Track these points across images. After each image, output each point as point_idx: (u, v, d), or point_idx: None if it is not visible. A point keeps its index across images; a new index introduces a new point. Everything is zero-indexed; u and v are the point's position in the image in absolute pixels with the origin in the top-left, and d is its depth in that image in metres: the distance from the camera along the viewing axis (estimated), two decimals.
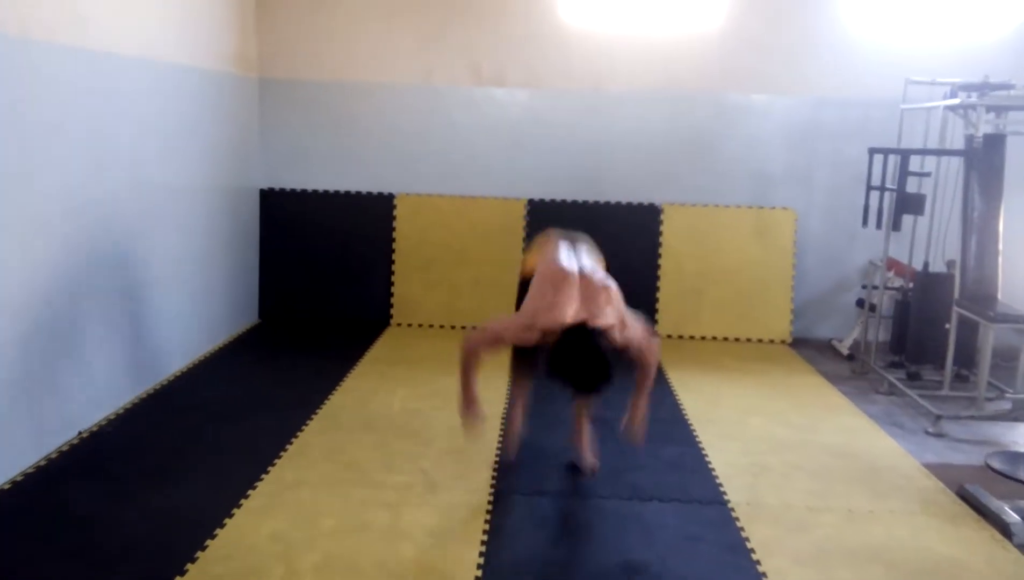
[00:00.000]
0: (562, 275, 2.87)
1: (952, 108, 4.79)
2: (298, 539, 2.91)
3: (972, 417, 4.40)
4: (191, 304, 4.96)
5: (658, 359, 2.94)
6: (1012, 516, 3.18)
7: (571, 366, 2.65)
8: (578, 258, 3.03)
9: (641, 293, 5.99)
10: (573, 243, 3.18)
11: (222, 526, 2.98)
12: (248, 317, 5.93)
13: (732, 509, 3.27)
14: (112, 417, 3.97)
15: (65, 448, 3.59)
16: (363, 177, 6.08)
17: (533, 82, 5.98)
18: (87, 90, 3.76)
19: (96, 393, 3.92)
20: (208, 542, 2.86)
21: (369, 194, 6.08)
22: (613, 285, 2.95)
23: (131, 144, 4.17)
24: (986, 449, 4.00)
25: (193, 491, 3.26)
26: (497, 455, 3.67)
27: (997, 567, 2.91)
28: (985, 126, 4.57)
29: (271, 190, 6.07)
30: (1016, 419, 4.42)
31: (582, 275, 2.91)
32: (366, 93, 6.00)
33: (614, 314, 2.81)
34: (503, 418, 4.07)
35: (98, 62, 3.85)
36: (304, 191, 6.08)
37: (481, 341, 2.91)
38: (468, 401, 2.99)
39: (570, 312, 2.76)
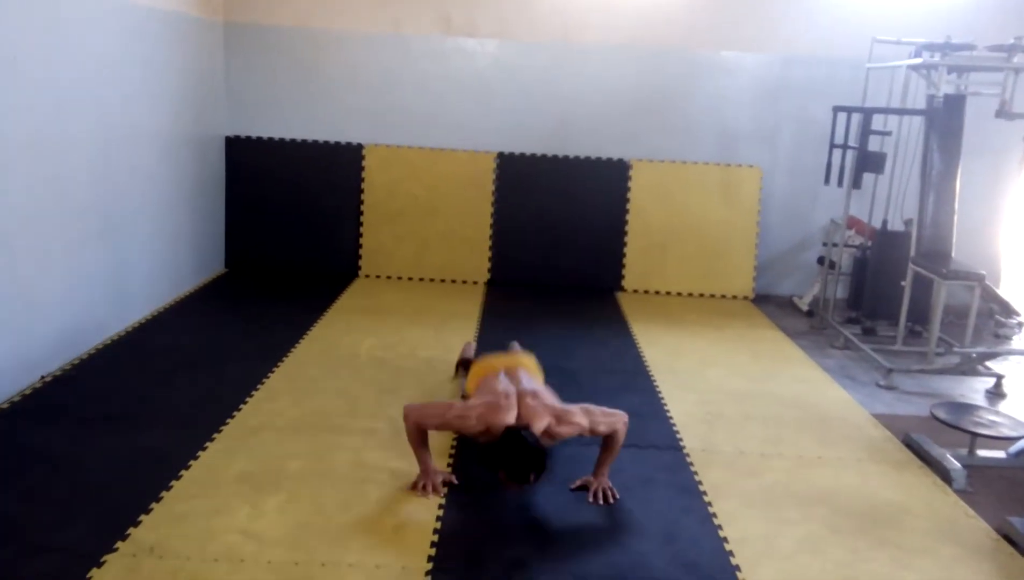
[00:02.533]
0: (504, 399, 2.99)
1: (915, 68, 4.85)
2: (263, 480, 2.96)
3: (922, 371, 4.55)
4: (156, 251, 4.93)
5: (624, 433, 3.01)
6: (953, 463, 3.33)
7: (509, 460, 2.78)
8: (517, 382, 3.15)
9: (608, 248, 6.06)
10: (512, 369, 3.31)
11: (187, 467, 3.02)
12: (214, 266, 5.90)
13: (687, 455, 3.38)
14: (76, 362, 3.97)
15: (28, 391, 3.59)
16: (331, 127, 6.03)
17: (503, 32, 5.93)
18: (41, 29, 3.68)
19: (59, 338, 3.91)
20: (173, 483, 2.90)
21: (338, 144, 6.03)
22: (549, 395, 3.12)
23: (91, 86, 4.09)
24: (934, 401, 4.15)
25: (158, 435, 3.29)
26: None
27: (937, 510, 3.05)
28: (946, 86, 4.65)
29: (237, 138, 6.00)
30: (963, 373, 4.59)
31: (520, 394, 3.03)
32: (334, 41, 5.92)
33: (547, 413, 2.95)
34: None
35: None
36: (271, 140, 6.02)
37: (426, 417, 2.99)
38: (425, 472, 2.99)
39: (511, 417, 2.90)
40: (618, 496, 2.98)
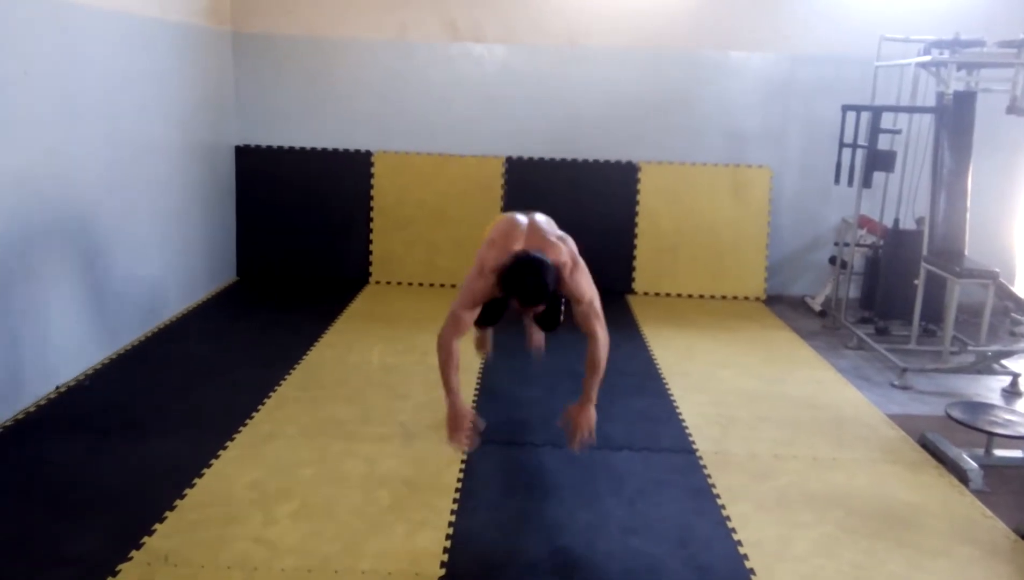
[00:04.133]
0: (511, 222, 2.95)
1: (924, 65, 4.82)
2: (275, 488, 2.97)
3: (936, 370, 4.52)
4: (169, 261, 4.96)
5: (606, 350, 2.93)
6: (969, 463, 3.30)
7: (519, 281, 2.69)
8: (530, 217, 3.06)
9: (618, 251, 6.05)
10: (527, 212, 3.18)
11: (200, 476, 3.03)
12: (226, 275, 5.93)
13: (700, 457, 3.37)
14: (90, 372, 4.00)
15: (43, 402, 3.62)
16: (340, 134, 6.05)
17: (509, 37, 5.94)
18: (53, 42, 3.71)
19: (74, 348, 3.93)
20: (187, 491, 2.92)
21: (346, 152, 6.05)
22: (567, 238, 3.01)
23: (102, 98, 4.13)
24: (949, 400, 4.11)
25: (171, 443, 3.30)
26: (474, 405, 3.74)
27: (953, 511, 3.02)
28: (956, 83, 4.62)
29: (247, 147, 6.03)
30: (978, 371, 4.54)
31: (531, 223, 2.96)
32: (341, 49, 5.94)
33: (567, 254, 2.88)
34: (479, 375, 4.14)
35: (64, 12, 3.79)
36: (280, 148, 6.05)
37: (449, 324, 2.90)
38: (456, 413, 2.85)
39: (519, 245, 2.82)
40: (595, 440, 2.93)
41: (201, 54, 5.36)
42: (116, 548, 2.55)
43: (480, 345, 3.97)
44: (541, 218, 3.05)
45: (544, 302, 2.74)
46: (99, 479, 3.00)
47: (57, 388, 3.76)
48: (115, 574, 2.43)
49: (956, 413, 3.50)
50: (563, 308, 3.08)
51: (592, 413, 2.96)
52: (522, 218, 3.00)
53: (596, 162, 6.04)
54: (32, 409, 3.54)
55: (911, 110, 5.02)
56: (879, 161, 4.84)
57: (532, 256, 2.74)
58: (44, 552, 2.53)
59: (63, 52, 3.79)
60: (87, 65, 3.98)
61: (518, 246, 2.83)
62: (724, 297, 6.04)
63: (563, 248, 2.88)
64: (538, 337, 3.92)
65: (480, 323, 3.33)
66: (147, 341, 4.52)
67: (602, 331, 2.94)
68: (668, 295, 6.05)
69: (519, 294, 2.70)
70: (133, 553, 2.53)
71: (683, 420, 3.75)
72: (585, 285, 2.92)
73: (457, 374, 2.92)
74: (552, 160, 6.05)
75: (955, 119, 4.62)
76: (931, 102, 4.95)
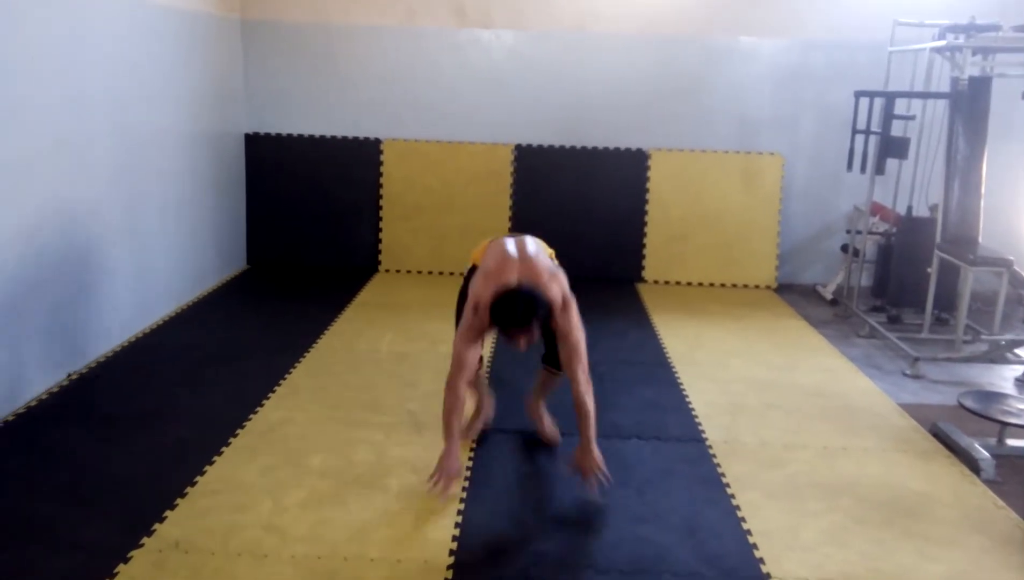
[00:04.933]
0: (503, 254, 2.91)
1: (938, 50, 4.76)
2: (285, 476, 2.98)
3: (949, 359, 4.48)
4: (179, 249, 4.97)
5: (591, 396, 2.85)
6: (981, 453, 3.28)
7: (510, 311, 2.69)
8: (521, 246, 3.00)
9: (628, 239, 6.02)
10: (518, 238, 3.12)
11: (211, 463, 3.05)
12: (237, 263, 5.95)
13: (709, 446, 3.36)
14: (101, 360, 4.02)
15: (55, 390, 3.64)
16: (349, 122, 6.04)
17: (518, 24, 5.91)
18: (62, 31, 3.71)
19: (84, 337, 3.95)
20: (197, 478, 2.93)
21: (355, 139, 6.04)
22: (558, 272, 2.97)
23: (109, 85, 4.13)
24: (961, 390, 4.08)
25: (182, 431, 3.32)
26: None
27: (964, 501, 3.00)
28: (971, 69, 4.56)
29: (256, 135, 6.03)
30: (992, 360, 4.51)
31: (522, 254, 2.93)
32: (349, 35, 5.92)
33: (559, 292, 2.85)
34: (489, 365, 4.14)
35: (72, 1, 3.78)
36: (290, 136, 6.04)
37: (455, 366, 2.87)
38: (448, 460, 2.82)
39: (512, 278, 2.81)
40: (610, 478, 2.87)
41: (210, 42, 5.35)
42: (127, 535, 2.56)
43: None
44: (532, 248, 2.97)
45: (534, 325, 2.70)
46: (110, 466, 3.01)
47: (69, 376, 3.79)
48: (126, 560, 2.44)
49: (968, 402, 3.48)
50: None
51: (596, 454, 2.88)
52: (513, 250, 2.93)
53: (605, 149, 6.01)
54: (44, 397, 3.57)
55: (925, 96, 4.96)
56: (892, 148, 4.79)
57: (524, 289, 2.73)
58: (56, 538, 2.54)
59: (71, 41, 3.79)
60: (95, 53, 3.98)
61: (512, 279, 2.80)
62: (734, 285, 6.01)
63: (555, 287, 2.84)
64: (552, 432, 3.39)
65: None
66: (158, 329, 4.54)
67: (583, 374, 2.86)
68: (678, 283, 6.03)
69: (510, 323, 2.69)
70: (144, 540, 2.55)
71: (692, 409, 3.74)
72: (573, 325, 2.86)
73: (460, 420, 2.90)
74: (561, 147, 6.02)
75: (970, 105, 4.56)
76: (945, 88, 4.89)
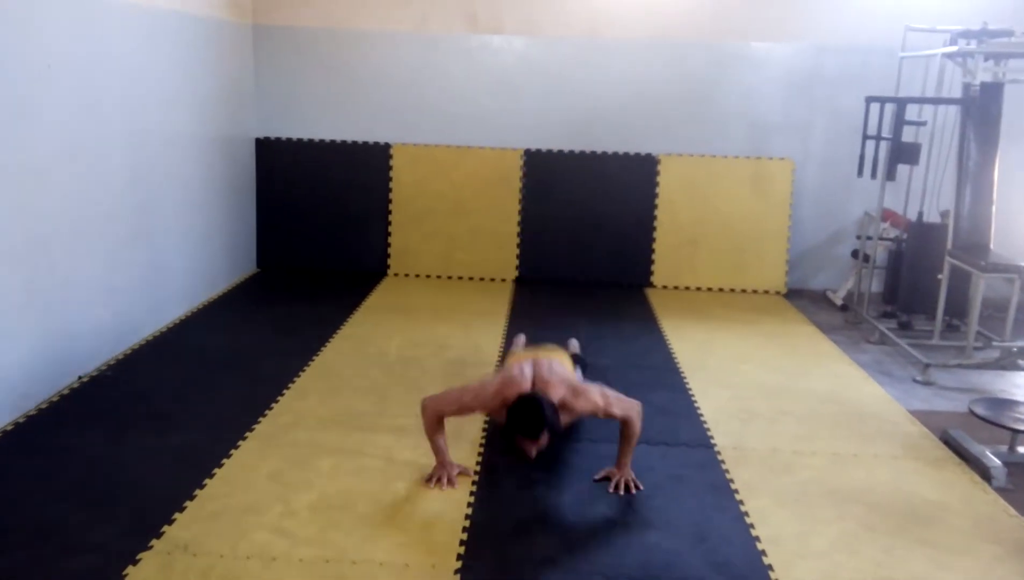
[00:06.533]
0: (519, 372, 3.08)
1: (950, 56, 4.74)
2: (294, 479, 2.99)
3: (960, 365, 4.46)
4: (190, 253, 5.00)
5: (639, 423, 3.02)
6: (992, 460, 3.25)
7: (521, 419, 2.86)
8: (536, 365, 3.14)
9: (637, 244, 6.02)
10: (538, 357, 3.27)
11: (220, 466, 3.06)
12: (247, 266, 5.97)
13: (718, 452, 3.35)
14: (112, 362, 4.04)
15: (65, 392, 3.66)
16: (359, 127, 6.06)
17: (529, 30, 5.92)
18: (76, 36, 3.74)
19: (96, 339, 3.97)
20: (206, 481, 2.94)
21: (365, 144, 6.06)
22: (568, 373, 3.18)
23: (123, 91, 4.16)
24: (972, 396, 4.05)
25: (191, 433, 3.33)
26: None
27: (976, 509, 2.98)
28: (983, 74, 4.54)
29: (267, 139, 6.05)
30: (1003, 367, 4.48)
31: (537, 374, 3.07)
32: (360, 40, 5.95)
33: (565, 388, 3.02)
34: (496, 367, 4.13)
35: (86, 6, 3.82)
36: (300, 140, 6.07)
37: (444, 405, 3.05)
38: (441, 463, 3.04)
39: (526, 387, 3.00)
40: (641, 486, 2.99)
41: (222, 47, 5.39)
42: (136, 537, 2.57)
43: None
44: (545, 368, 3.10)
45: (543, 434, 2.86)
46: (120, 469, 3.03)
47: (80, 378, 3.81)
48: (135, 563, 2.45)
49: (980, 409, 3.45)
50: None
51: (629, 471, 3.03)
52: (528, 371, 3.08)
53: (615, 154, 6.01)
54: (55, 398, 3.59)
55: (937, 101, 4.94)
56: (903, 153, 4.77)
57: (533, 395, 2.90)
58: (65, 540, 2.55)
59: (86, 46, 3.81)
60: (109, 58, 4.01)
61: (523, 386, 3.00)
62: (744, 291, 6.00)
63: (561, 388, 3.01)
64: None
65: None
66: (168, 332, 4.56)
67: (624, 412, 3.01)
68: (687, 288, 6.01)
69: (521, 429, 2.86)
70: (153, 542, 2.56)
71: (701, 414, 3.72)
72: (592, 400, 3.01)
73: (443, 436, 3.07)
74: (571, 152, 6.02)
75: (982, 110, 4.54)
76: (957, 93, 4.87)
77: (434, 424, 3.04)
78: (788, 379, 4.23)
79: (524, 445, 2.88)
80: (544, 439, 2.87)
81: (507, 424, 2.90)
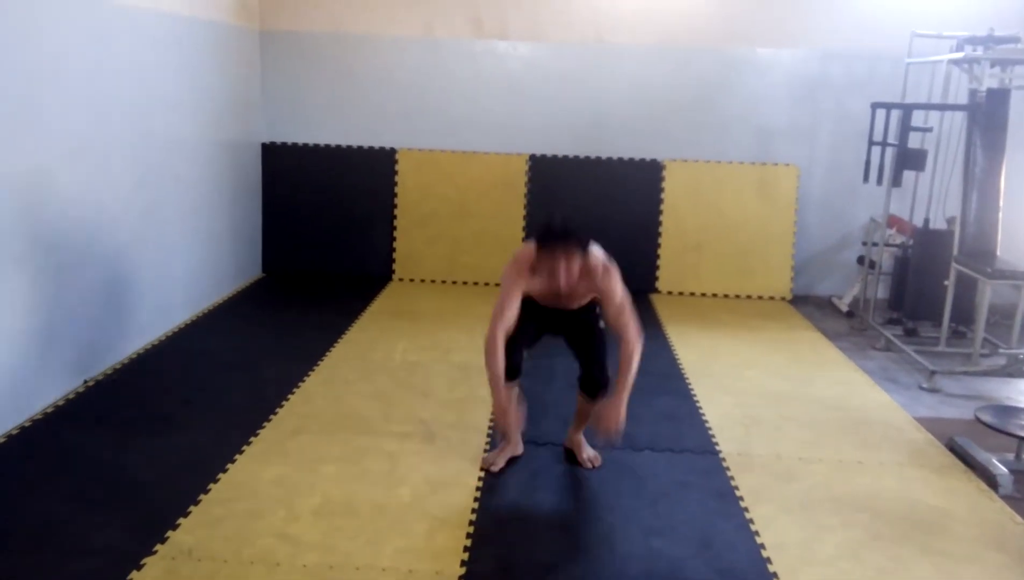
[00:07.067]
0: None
1: (956, 62, 4.74)
2: (299, 484, 2.99)
3: (966, 372, 4.44)
4: (196, 257, 5.01)
5: (640, 351, 2.97)
6: (999, 468, 3.24)
7: (552, 225, 2.90)
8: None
9: (642, 249, 6.01)
10: None
11: (225, 471, 3.06)
12: (252, 270, 5.98)
13: (723, 459, 3.34)
14: (118, 366, 4.05)
15: (71, 396, 3.67)
16: (365, 132, 6.07)
17: (534, 35, 5.93)
18: (83, 40, 3.76)
19: (101, 343, 3.98)
20: (211, 485, 2.94)
21: (371, 149, 6.08)
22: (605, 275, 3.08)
23: (130, 94, 4.17)
24: (979, 404, 4.03)
25: (196, 437, 3.34)
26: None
27: (982, 516, 2.97)
28: (989, 80, 4.53)
29: (273, 144, 6.07)
30: (1010, 375, 4.46)
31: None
32: (366, 45, 5.96)
33: (599, 258, 3.01)
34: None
35: (94, 10, 3.83)
36: (306, 145, 6.08)
37: (493, 318, 2.95)
38: (500, 402, 2.91)
39: (563, 284, 2.92)
40: (620, 438, 2.95)
41: (229, 52, 5.41)
42: (140, 541, 2.58)
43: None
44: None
45: (574, 247, 2.85)
46: (125, 472, 3.03)
47: (85, 382, 3.82)
48: (139, 567, 2.46)
49: (986, 417, 3.44)
50: (598, 313, 3.12)
51: (621, 409, 2.92)
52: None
53: (620, 160, 6.01)
54: (61, 402, 3.60)
55: (943, 108, 4.93)
56: (909, 159, 4.77)
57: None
58: (70, 543, 2.56)
59: (92, 49, 3.83)
60: (116, 62, 4.03)
61: (563, 282, 2.92)
62: (749, 297, 5.99)
63: (596, 250, 3.00)
64: (590, 456, 3.28)
65: (515, 342, 3.09)
66: (174, 336, 4.57)
67: (633, 332, 2.97)
68: (692, 294, 6.01)
69: (555, 236, 2.85)
70: (157, 546, 2.56)
71: (706, 421, 3.72)
72: (616, 286, 2.99)
73: (502, 369, 2.93)
74: (576, 158, 6.03)
75: (988, 117, 4.53)
76: (963, 99, 4.87)
77: (497, 342, 2.89)
78: (793, 385, 4.22)
79: (556, 265, 2.83)
80: (576, 262, 2.85)
81: (538, 239, 2.88)
